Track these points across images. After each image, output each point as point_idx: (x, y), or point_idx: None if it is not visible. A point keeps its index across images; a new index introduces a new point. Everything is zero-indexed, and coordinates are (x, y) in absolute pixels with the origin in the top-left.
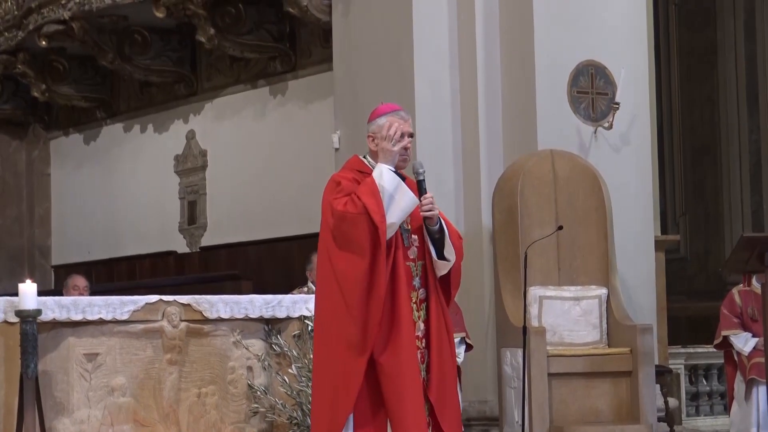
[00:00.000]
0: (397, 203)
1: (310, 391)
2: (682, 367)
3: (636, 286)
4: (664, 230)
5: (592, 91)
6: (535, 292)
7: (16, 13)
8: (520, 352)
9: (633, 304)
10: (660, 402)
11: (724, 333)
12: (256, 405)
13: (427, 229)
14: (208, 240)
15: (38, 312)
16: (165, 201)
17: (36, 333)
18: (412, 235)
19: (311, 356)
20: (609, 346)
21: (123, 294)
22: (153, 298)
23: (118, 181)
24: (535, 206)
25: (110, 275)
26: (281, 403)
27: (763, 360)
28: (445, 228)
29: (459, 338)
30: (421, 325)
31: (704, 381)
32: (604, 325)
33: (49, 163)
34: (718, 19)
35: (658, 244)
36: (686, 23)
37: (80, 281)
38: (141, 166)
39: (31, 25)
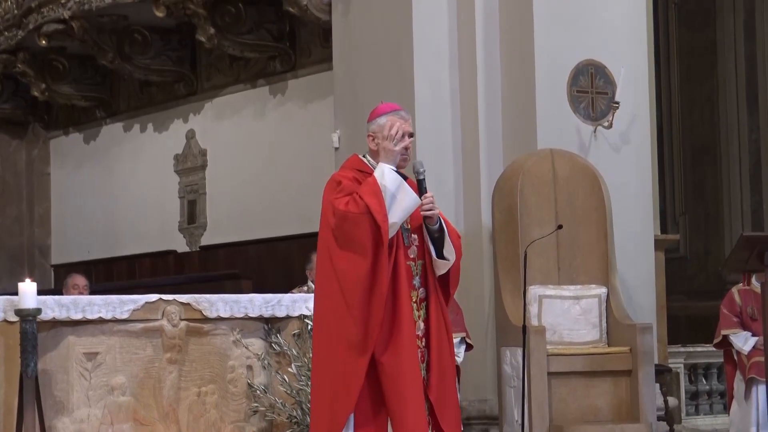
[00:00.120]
0: (399, 203)
1: (309, 390)
2: (682, 366)
3: (636, 285)
4: (663, 230)
5: (591, 91)
6: (534, 291)
7: (15, 12)
8: (519, 351)
9: (633, 304)
10: (660, 401)
11: (723, 332)
12: (255, 404)
13: (426, 229)
14: (207, 239)
15: (38, 311)
16: (165, 200)
17: (36, 332)
18: (412, 235)
19: (311, 355)
20: (609, 345)
21: (123, 293)
22: (153, 297)
23: (118, 181)
24: (535, 205)
25: (110, 274)
26: (281, 402)
27: (762, 359)
28: (445, 227)
29: (459, 338)
30: (421, 325)
31: (704, 380)
32: (604, 325)
33: (48, 163)
34: (718, 19)
35: (658, 244)
36: (686, 23)
37: (80, 280)
38: (141, 166)
39: (30, 24)
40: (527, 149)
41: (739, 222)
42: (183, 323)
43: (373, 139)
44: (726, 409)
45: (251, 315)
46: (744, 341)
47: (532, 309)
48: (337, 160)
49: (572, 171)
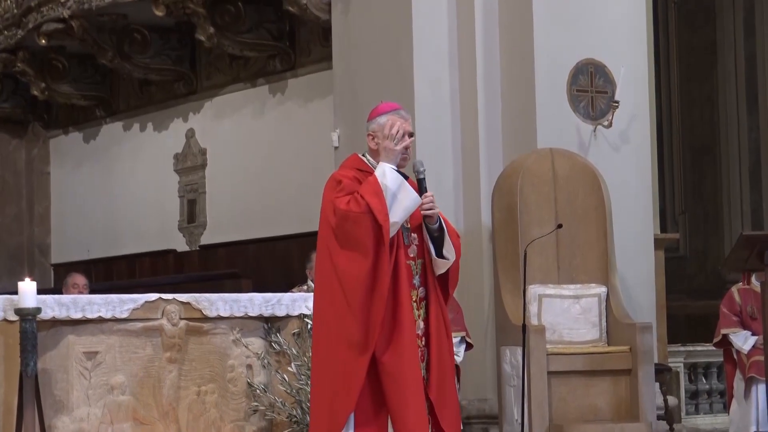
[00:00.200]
0: (400, 202)
1: (309, 389)
2: (682, 365)
3: (635, 284)
4: (663, 229)
5: (591, 90)
6: (534, 290)
7: (15, 11)
8: (519, 350)
9: (632, 303)
10: (659, 400)
11: (723, 331)
12: (255, 403)
13: (426, 228)
14: (207, 238)
15: (38, 310)
16: (164, 199)
17: (35, 331)
18: (412, 234)
19: (311, 354)
20: (608, 344)
21: (122, 292)
22: (152, 296)
23: (118, 180)
24: (535, 205)
25: (110, 273)
26: (281, 401)
27: (762, 358)
28: (445, 226)
29: (459, 337)
30: (421, 324)
31: (704, 379)
32: (604, 324)
33: (48, 162)
34: (718, 18)
35: (658, 243)
36: (686, 22)
37: (80, 279)
38: (140, 165)
39: (30, 23)
40: (527, 148)
41: (738, 221)
42: (183, 322)
43: (373, 139)
44: (726, 408)
45: (251, 314)
46: (744, 340)
47: (532, 308)
48: (336, 160)
49: (572, 170)
